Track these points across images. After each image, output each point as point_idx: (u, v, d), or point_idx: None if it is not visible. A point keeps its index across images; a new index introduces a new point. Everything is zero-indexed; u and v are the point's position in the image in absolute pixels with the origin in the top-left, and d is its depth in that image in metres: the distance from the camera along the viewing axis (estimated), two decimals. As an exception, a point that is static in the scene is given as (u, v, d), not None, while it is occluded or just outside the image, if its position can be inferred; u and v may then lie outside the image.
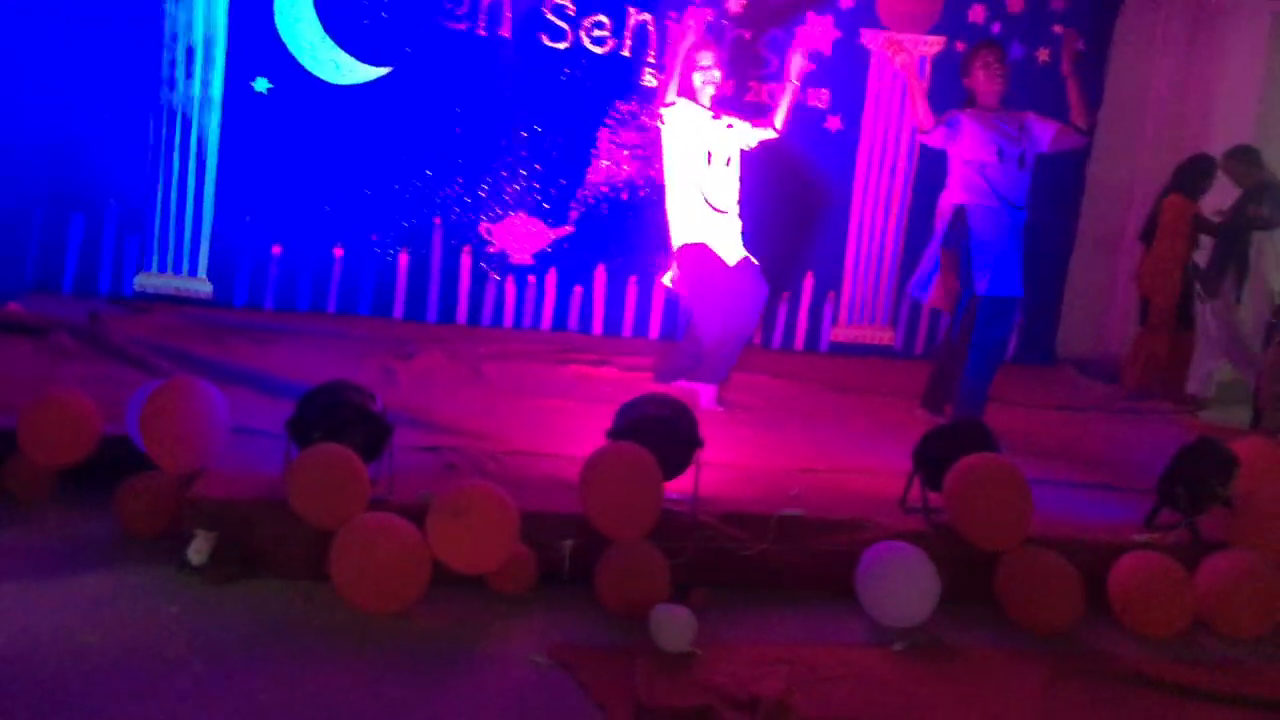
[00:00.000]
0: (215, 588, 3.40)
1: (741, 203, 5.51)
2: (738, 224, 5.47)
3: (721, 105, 5.56)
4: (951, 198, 5.32)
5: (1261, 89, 7.44)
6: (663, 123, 5.34)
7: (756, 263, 5.46)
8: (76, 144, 6.29)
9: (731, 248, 5.40)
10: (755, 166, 6.82)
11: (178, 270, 6.51)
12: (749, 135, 5.49)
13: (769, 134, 5.52)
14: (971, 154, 5.24)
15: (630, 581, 3.51)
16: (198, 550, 3.43)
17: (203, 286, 6.53)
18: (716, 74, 5.37)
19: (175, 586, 3.39)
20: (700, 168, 5.35)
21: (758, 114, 5.76)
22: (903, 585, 3.59)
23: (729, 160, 5.41)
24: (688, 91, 5.38)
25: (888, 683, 3.27)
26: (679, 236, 5.41)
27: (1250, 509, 3.99)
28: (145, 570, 3.49)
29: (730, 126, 5.42)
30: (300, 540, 3.49)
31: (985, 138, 5.23)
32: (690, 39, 5.32)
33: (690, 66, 5.35)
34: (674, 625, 3.32)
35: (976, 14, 6.95)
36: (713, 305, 5.37)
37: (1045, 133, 5.34)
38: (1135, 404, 6.54)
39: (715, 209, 5.36)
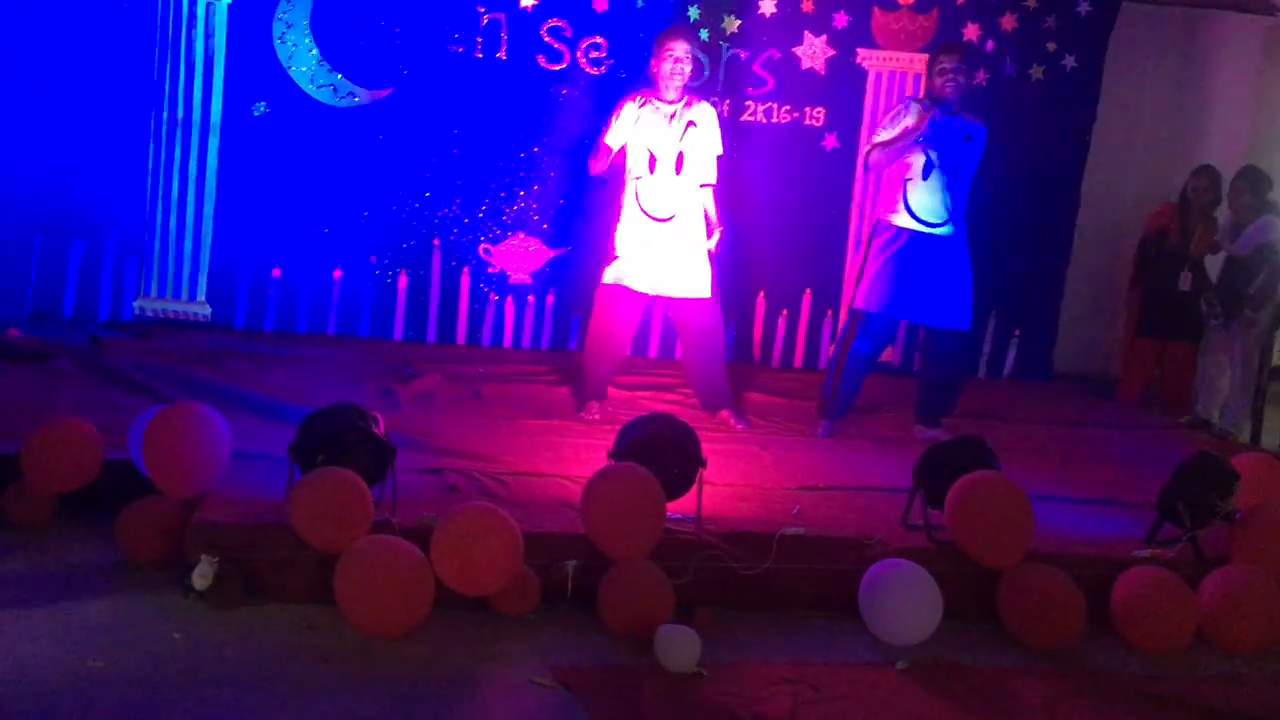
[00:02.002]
0: (218, 613, 3.40)
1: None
2: (687, 231, 5.35)
3: (695, 94, 5.50)
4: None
5: (1256, 102, 7.49)
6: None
7: (707, 274, 5.39)
8: (75, 170, 6.30)
9: (666, 258, 5.31)
10: (752, 184, 6.88)
11: (177, 294, 6.51)
12: (708, 145, 5.38)
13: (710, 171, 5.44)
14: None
15: (634, 602, 3.51)
16: (201, 575, 3.43)
17: (202, 310, 6.53)
18: (687, 67, 5.30)
19: (178, 612, 3.39)
20: (641, 171, 5.30)
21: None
22: (906, 603, 3.60)
23: (680, 165, 5.29)
24: (654, 81, 5.35)
25: (892, 701, 3.27)
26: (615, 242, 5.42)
27: (1251, 524, 3.99)
28: (148, 596, 3.48)
29: (692, 124, 5.31)
30: (304, 564, 3.49)
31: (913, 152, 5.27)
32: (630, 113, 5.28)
33: (662, 57, 5.27)
34: (678, 645, 3.32)
35: (970, 32, 6.97)
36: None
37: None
38: (1134, 419, 6.54)
39: (652, 217, 5.29)
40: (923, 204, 5.27)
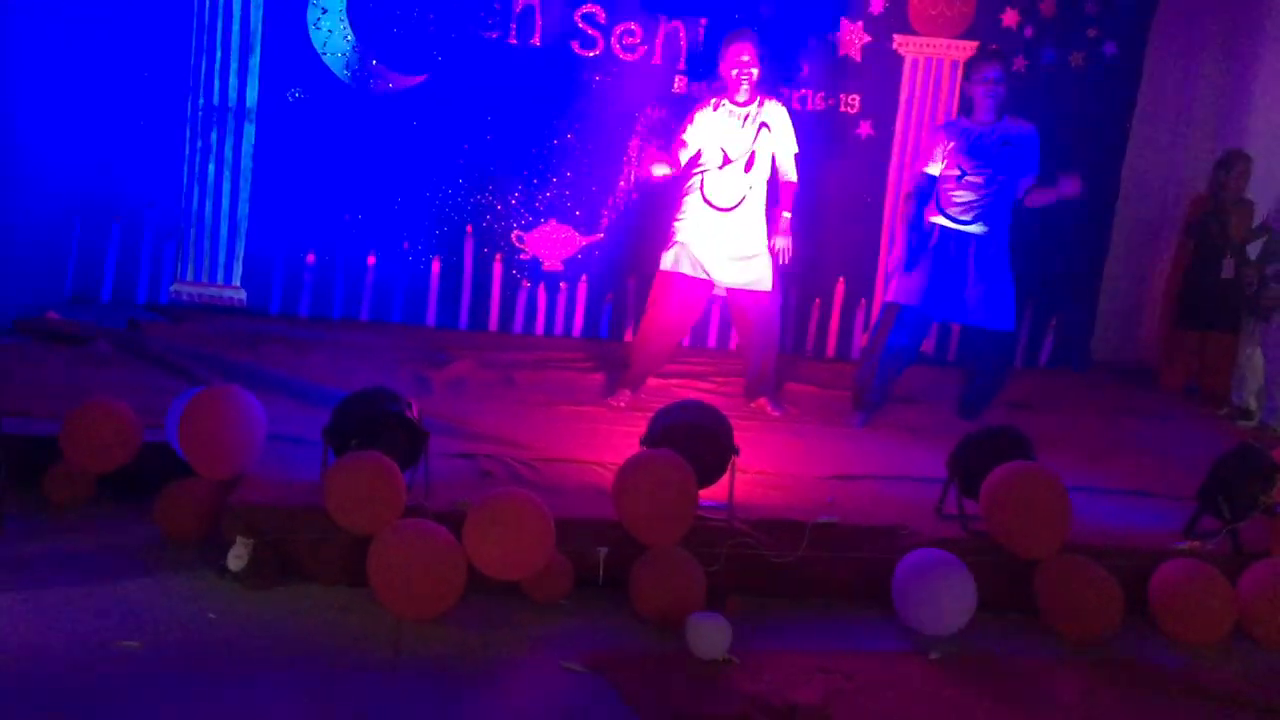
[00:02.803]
0: (253, 593, 3.43)
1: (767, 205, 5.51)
2: (749, 223, 5.41)
3: (767, 93, 5.53)
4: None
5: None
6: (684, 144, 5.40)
7: (769, 268, 5.43)
8: (113, 155, 6.38)
9: (725, 246, 5.36)
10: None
11: (213, 278, 6.58)
12: (784, 146, 5.44)
13: (789, 170, 5.49)
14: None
15: (665, 589, 3.50)
16: (237, 556, 3.46)
17: (238, 294, 6.59)
18: (755, 69, 5.34)
19: (214, 592, 3.42)
20: (711, 166, 5.35)
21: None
22: (940, 594, 3.57)
23: (750, 164, 5.35)
24: (725, 83, 5.41)
25: (925, 692, 3.25)
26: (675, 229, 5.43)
27: (1293, 517, 3.93)
28: (185, 576, 3.52)
29: (765, 126, 5.37)
30: (338, 546, 3.52)
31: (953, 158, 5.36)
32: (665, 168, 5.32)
33: (729, 62, 5.34)
34: (710, 633, 3.31)
35: (1010, 18, 6.89)
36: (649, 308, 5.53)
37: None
38: (1173, 409, 6.47)
39: (716, 207, 5.35)
40: (956, 206, 5.35)
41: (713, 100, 5.46)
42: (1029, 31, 6.93)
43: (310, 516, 3.53)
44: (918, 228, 5.41)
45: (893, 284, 5.48)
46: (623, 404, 5.40)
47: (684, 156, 5.40)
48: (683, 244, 5.38)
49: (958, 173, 5.33)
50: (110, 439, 3.96)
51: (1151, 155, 7.61)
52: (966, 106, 5.52)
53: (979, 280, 5.33)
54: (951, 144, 5.36)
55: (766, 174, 5.45)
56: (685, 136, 5.41)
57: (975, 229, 5.33)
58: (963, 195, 5.32)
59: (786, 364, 6.43)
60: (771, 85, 6.80)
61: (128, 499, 3.98)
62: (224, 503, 3.60)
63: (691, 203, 5.41)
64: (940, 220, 5.37)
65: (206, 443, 3.75)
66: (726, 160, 5.34)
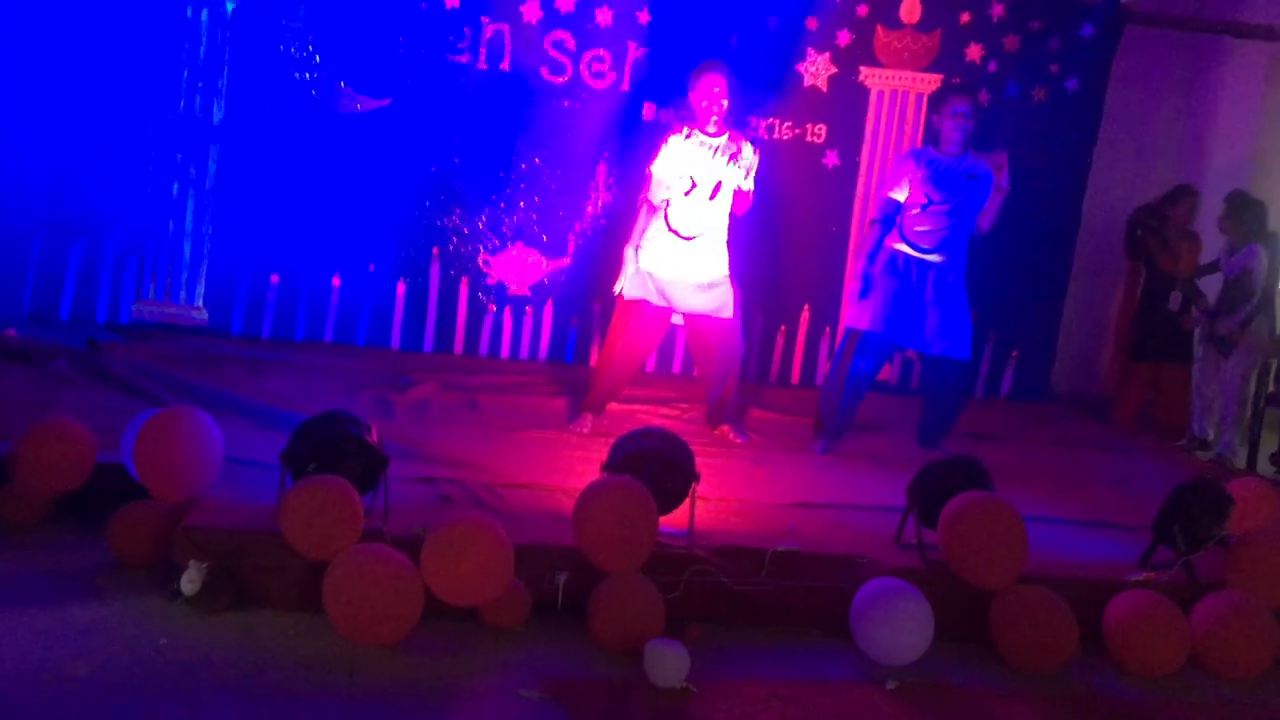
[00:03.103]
0: (206, 618, 3.38)
1: (736, 234, 5.52)
2: (712, 252, 5.40)
3: (741, 130, 5.53)
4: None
5: (1258, 126, 7.50)
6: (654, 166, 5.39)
7: (731, 296, 5.43)
8: (77, 171, 6.32)
9: (687, 273, 5.35)
10: (755, 201, 6.88)
11: (175, 298, 6.52)
12: (744, 174, 5.43)
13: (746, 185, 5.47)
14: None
15: (624, 616, 3.49)
16: (190, 580, 3.41)
17: (200, 314, 6.53)
18: (725, 100, 5.33)
19: (166, 616, 3.38)
20: (678, 193, 5.34)
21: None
22: (897, 623, 3.58)
23: (716, 192, 5.34)
24: (694, 114, 5.41)
25: (881, 721, 3.25)
26: (631, 250, 5.39)
27: (1246, 549, 3.98)
28: (136, 600, 3.47)
29: (734, 156, 5.37)
30: (293, 571, 3.48)
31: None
32: None
33: (699, 93, 5.34)
34: (668, 661, 3.30)
35: (974, 52, 7.00)
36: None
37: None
38: (1131, 441, 6.54)
39: (680, 235, 5.34)
40: (918, 233, 5.38)
41: (684, 129, 5.46)
42: (992, 66, 7.03)
43: (266, 541, 3.50)
44: (876, 254, 5.44)
45: (853, 310, 5.51)
46: (586, 429, 5.39)
47: (659, 192, 5.36)
48: (645, 271, 5.37)
49: (924, 201, 5.36)
50: (64, 460, 3.91)
51: (1113, 189, 7.73)
52: (933, 138, 5.57)
53: (937, 309, 5.37)
54: (920, 172, 5.40)
55: (730, 205, 5.44)
56: (654, 169, 5.38)
57: (935, 258, 5.37)
58: (926, 224, 5.37)
59: (751, 391, 6.45)
60: (740, 114, 6.86)
61: (82, 521, 3.92)
62: (178, 525, 3.56)
63: (655, 230, 5.41)
64: (902, 247, 5.39)
65: (161, 465, 3.71)
66: (693, 186, 5.33)
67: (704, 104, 5.34)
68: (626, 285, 5.40)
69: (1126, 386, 7.07)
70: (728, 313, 5.45)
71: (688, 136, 5.41)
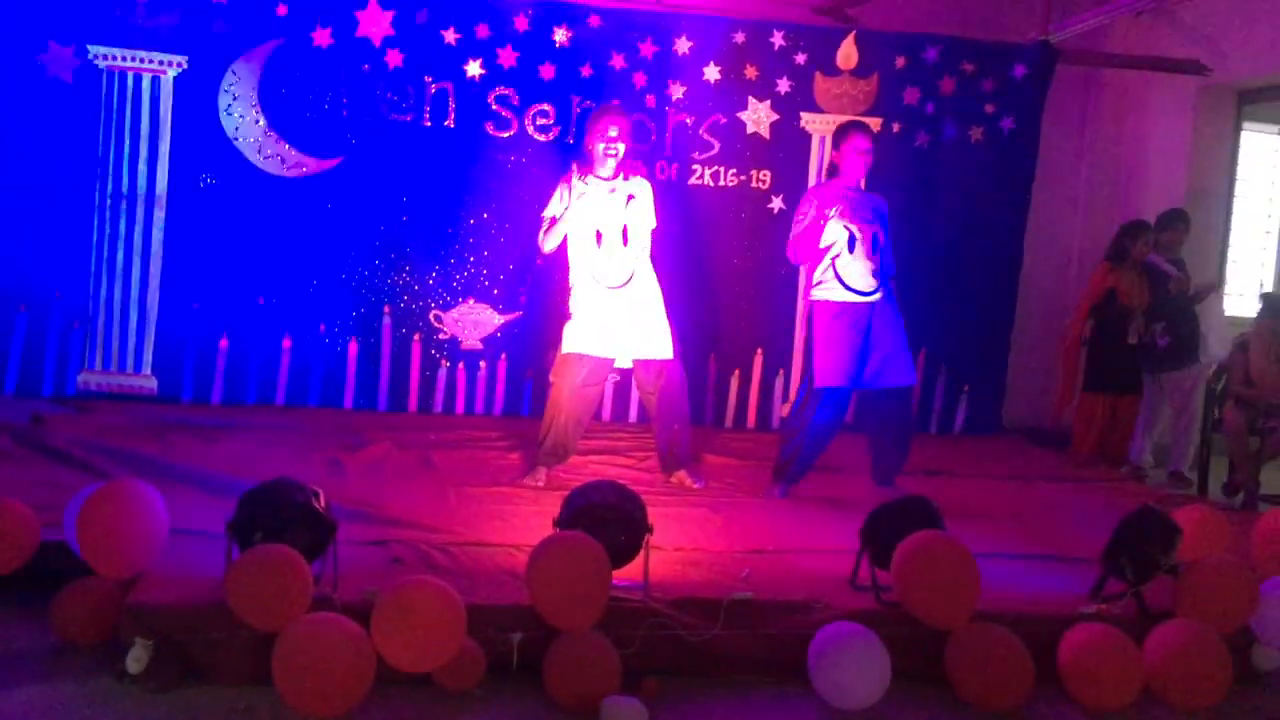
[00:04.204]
0: (154, 696, 3.32)
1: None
2: (642, 296, 5.40)
3: (631, 169, 5.51)
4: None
5: (1189, 159, 7.68)
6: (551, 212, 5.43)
7: (667, 335, 5.43)
8: (19, 242, 6.28)
9: (621, 320, 5.35)
10: (701, 246, 6.96)
11: (122, 367, 6.46)
12: (647, 210, 5.44)
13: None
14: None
15: (580, 673, 3.47)
16: (136, 658, 3.35)
17: (147, 383, 6.47)
18: (620, 147, 5.34)
19: (113, 697, 3.31)
20: (590, 249, 5.36)
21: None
22: (854, 668, 3.58)
23: (626, 237, 5.35)
24: (589, 161, 5.41)
25: (841, 768, 3.24)
26: (571, 309, 5.43)
27: (1193, 578, 4.02)
28: (82, 680, 3.40)
29: (632, 198, 5.37)
30: (242, 644, 3.43)
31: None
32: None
33: (596, 136, 5.35)
34: (625, 717, 3.28)
35: (911, 96, 7.13)
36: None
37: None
38: (1081, 472, 6.62)
39: (607, 286, 5.35)
40: (853, 276, 5.37)
41: (576, 174, 5.42)
42: (930, 108, 7.17)
43: (213, 614, 3.44)
44: (826, 308, 5.44)
45: (815, 368, 5.40)
46: (540, 483, 5.37)
47: (555, 238, 5.40)
48: (579, 323, 5.38)
49: (847, 234, 5.32)
50: (5, 540, 3.82)
51: (1052, 225, 7.88)
52: (833, 172, 5.59)
53: (881, 345, 5.38)
54: (835, 207, 5.35)
55: (647, 244, 5.44)
56: (550, 213, 5.41)
57: (875, 297, 5.39)
58: (857, 264, 5.35)
59: (707, 436, 6.48)
60: (684, 162, 6.95)
61: (26, 600, 3.84)
62: (123, 602, 3.50)
63: (581, 282, 5.41)
64: (846, 297, 5.37)
65: (104, 540, 3.64)
66: (599, 237, 5.34)
67: (601, 147, 5.33)
68: (565, 339, 5.41)
69: (1084, 419, 7.16)
70: (666, 353, 5.44)
71: (585, 181, 5.39)
